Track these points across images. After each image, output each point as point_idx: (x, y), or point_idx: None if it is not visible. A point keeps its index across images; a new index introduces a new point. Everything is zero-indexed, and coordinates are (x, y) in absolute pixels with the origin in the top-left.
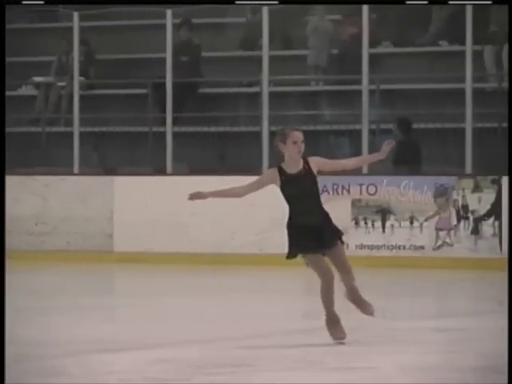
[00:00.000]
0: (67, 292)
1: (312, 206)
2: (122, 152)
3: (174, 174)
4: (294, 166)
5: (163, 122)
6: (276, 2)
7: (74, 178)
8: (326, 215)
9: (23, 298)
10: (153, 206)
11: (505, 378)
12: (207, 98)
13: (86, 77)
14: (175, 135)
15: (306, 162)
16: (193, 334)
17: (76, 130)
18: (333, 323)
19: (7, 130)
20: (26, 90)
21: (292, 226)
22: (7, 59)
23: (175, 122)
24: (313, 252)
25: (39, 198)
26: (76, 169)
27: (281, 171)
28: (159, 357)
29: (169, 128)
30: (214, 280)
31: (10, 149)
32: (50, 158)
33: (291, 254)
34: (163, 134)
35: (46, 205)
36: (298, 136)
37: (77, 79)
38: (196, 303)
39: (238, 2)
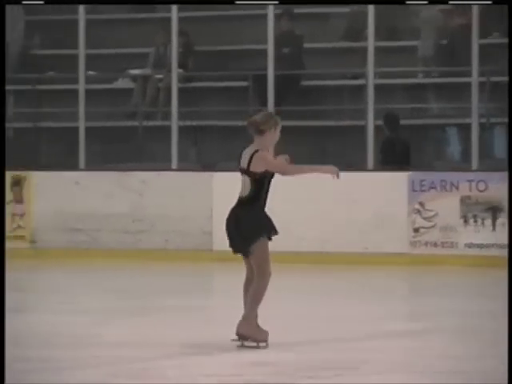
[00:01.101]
0: (165, 292)
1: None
2: (222, 147)
3: None
4: (270, 152)
5: None
6: (276, 2)
7: (172, 173)
8: None
9: (117, 297)
10: None
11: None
12: (310, 91)
13: (184, 69)
14: None
15: None
16: (294, 335)
17: (174, 124)
18: (257, 324)
19: (103, 124)
20: (122, 83)
21: (262, 210)
22: (103, 51)
23: (277, 115)
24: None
25: (135, 194)
26: (174, 164)
27: None
28: (260, 359)
29: None
30: (317, 280)
31: (106, 143)
32: (146, 153)
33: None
34: None
35: (142, 202)
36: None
37: (175, 71)
38: (297, 304)
39: (238, 2)
